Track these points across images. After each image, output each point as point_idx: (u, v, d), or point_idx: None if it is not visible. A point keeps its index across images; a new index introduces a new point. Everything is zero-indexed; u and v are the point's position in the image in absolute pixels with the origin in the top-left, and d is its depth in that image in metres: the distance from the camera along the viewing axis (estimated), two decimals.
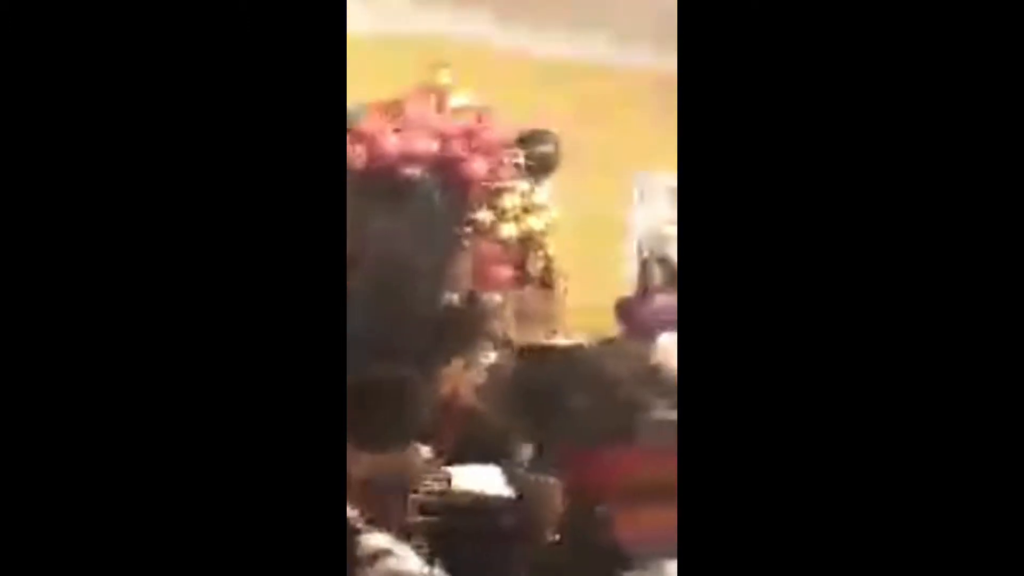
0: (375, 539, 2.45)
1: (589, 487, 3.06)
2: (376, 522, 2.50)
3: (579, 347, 5.57)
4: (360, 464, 2.50)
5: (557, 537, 3.04)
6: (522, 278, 6.30)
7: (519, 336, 6.06)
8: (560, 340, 5.95)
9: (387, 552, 2.40)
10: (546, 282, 6.41)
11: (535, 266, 6.32)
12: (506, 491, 3.33)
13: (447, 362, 4.66)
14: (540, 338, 6.09)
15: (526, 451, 3.92)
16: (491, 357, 5.49)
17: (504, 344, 5.90)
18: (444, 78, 5.94)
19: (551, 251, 6.40)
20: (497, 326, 5.98)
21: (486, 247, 6.15)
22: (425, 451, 2.99)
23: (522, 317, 6.20)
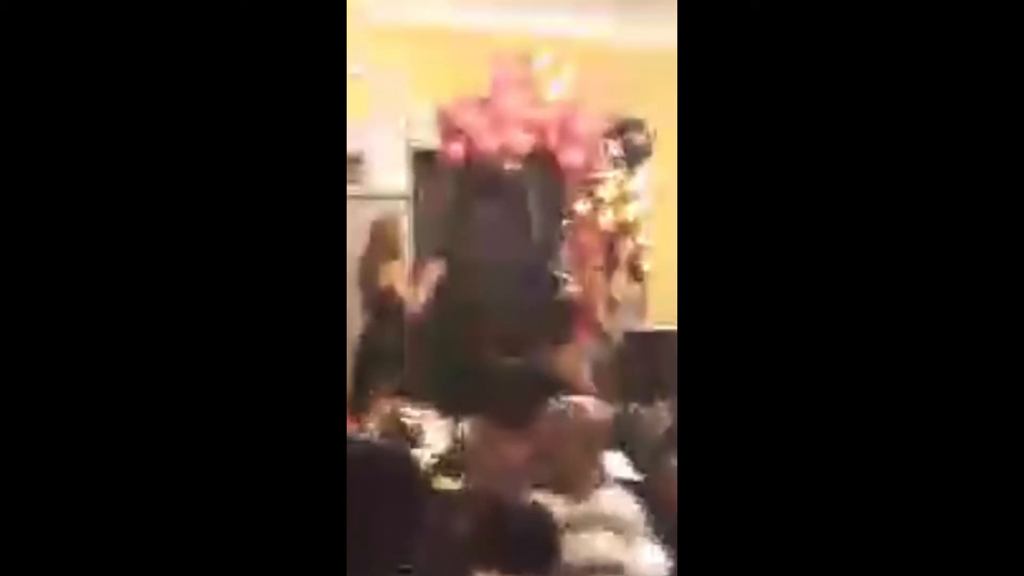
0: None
1: None
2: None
3: None
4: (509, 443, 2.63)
5: None
6: (611, 266, 6.32)
7: (609, 323, 6.10)
8: (657, 326, 5.97)
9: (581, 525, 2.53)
10: (635, 269, 6.43)
11: (624, 254, 6.34)
12: (629, 474, 3.37)
13: (557, 350, 4.69)
14: (631, 325, 6.12)
15: (648, 434, 3.97)
16: (591, 345, 5.55)
17: (600, 331, 5.95)
18: (537, 70, 5.99)
19: (642, 240, 6.41)
20: (595, 314, 6.03)
21: (585, 237, 6.20)
22: None
23: (612, 304, 6.23)
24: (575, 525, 2.53)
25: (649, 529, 2.67)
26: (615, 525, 2.55)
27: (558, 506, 2.55)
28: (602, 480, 2.69)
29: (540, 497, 2.60)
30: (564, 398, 2.82)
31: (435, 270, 5.37)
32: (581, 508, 2.58)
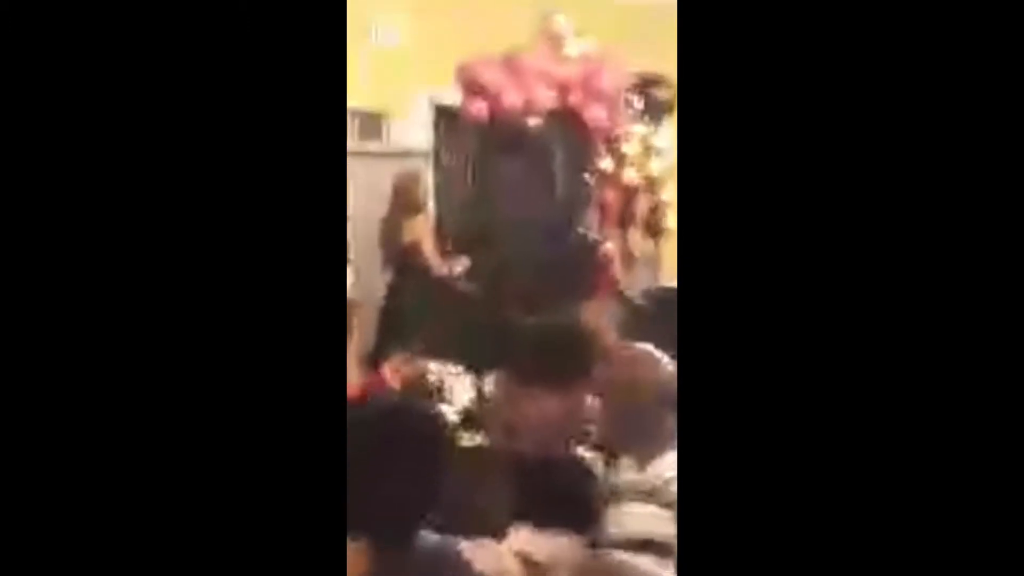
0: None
1: None
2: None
3: None
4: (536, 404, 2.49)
5: None
6: (631, 222, 6.31)
7: (628, 280, 6.09)
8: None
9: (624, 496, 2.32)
10: (652, 226, 6.40)
11: (645, 210, 6.32)
12: None
13: (581, 307, 4.72)
14: (649, 282, 6.10)
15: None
16: (612, 301, 5.56)
17: (618, 288, 5.96)
18: (559, 26, 5.96)
19: (665, 196, 6.39)
20: (614, 270, 6.04)
21: (609, 194, 6.18)
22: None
23: (631, 261, 6.21)
24: (621, 494, 2.30)
25: None
26: (668, 498, 2.23)
27: (613, 472, 2.36)
28: (666, 444, 2.32)
29: (590, 458, 2.44)
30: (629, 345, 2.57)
31: (460, 264, 5.40)
32: (632, 476, 2.31)
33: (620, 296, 5.78)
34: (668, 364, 2.37)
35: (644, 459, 2.31)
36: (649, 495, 2.25)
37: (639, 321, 5.44)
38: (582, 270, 5.76)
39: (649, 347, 2.48)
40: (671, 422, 2.28)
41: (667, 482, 2.24)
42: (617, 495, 2.30)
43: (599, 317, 4.38)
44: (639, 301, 5.77)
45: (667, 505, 2.21)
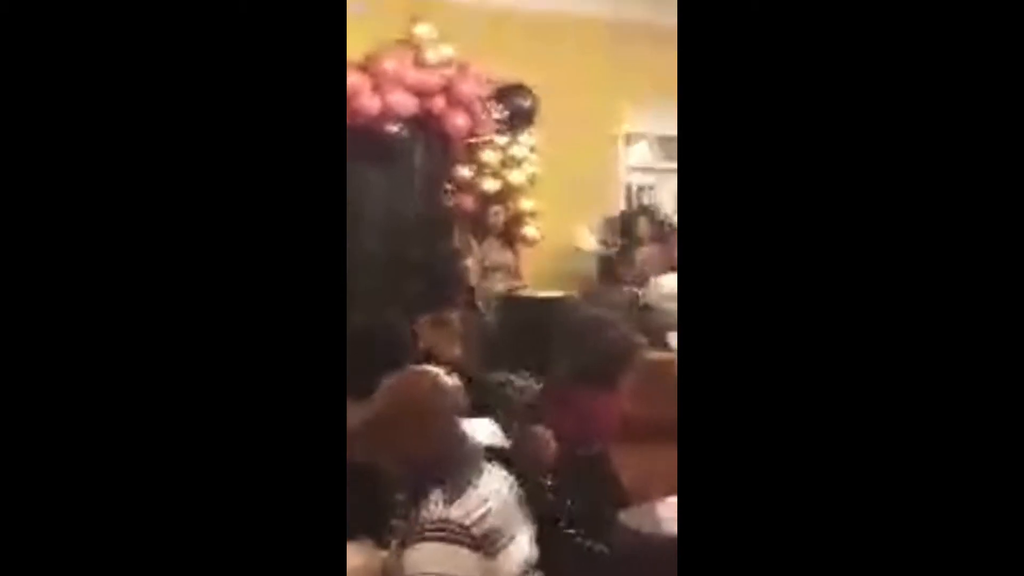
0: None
1: (582, 430, 3.06)
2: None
3: (563, 296, 5.59)
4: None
5: (550, 482, 3.04)
6: (489, 231, 6.29)
7: (483, 289, 6.06)
8: (536, 291, 5.95)
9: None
10: (508, 235, 6.39)
11: (503, 219, 6.30)
12: (497, 441, 3.33)
13: (417, 318, 4.60)
14: (502, 290, 6.08)
15: (516, 399, 3.95)
16: (456, 312, 5.49)
17: (470, 297, 5.93)
18: (421, 32, 5.90)
19: (523, 205, 6.38)
20: (465, 280, 6.01)
21: (466, 202, 6.14)
22: None
23: (483, 270, 6.18)
24: (424, 531, 2.18)
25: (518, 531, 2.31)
26: (475, 538, 2.16)
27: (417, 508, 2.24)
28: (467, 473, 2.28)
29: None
30: (413, 366, 2.55)
31: None
32: (439, 513, 2.19)
33: (474, 305, 5.75)
34: (446, 383, 2.33)
35: (453, 494, 2.20)
36: (454, 534, 2.13)
37: (492, 331, 5.41)
38: (436, 280, 5.71)
39: (427, 367, 2.43)
40: (462, 447, 2.29)
41: (475, 522, 2.16)
42: (420, 532, 2.17)
43: (442, 328, 4.29)
44: (493, 312, 5.73)
45: (473, 547, 2.13)
